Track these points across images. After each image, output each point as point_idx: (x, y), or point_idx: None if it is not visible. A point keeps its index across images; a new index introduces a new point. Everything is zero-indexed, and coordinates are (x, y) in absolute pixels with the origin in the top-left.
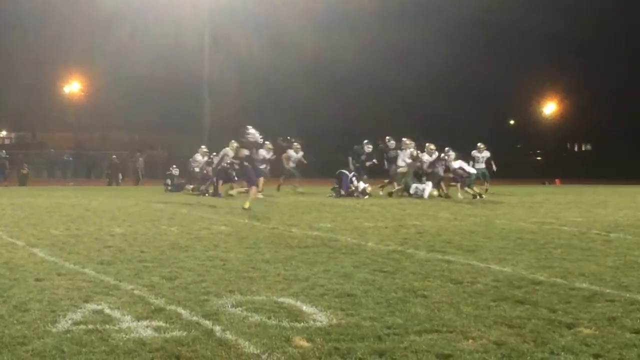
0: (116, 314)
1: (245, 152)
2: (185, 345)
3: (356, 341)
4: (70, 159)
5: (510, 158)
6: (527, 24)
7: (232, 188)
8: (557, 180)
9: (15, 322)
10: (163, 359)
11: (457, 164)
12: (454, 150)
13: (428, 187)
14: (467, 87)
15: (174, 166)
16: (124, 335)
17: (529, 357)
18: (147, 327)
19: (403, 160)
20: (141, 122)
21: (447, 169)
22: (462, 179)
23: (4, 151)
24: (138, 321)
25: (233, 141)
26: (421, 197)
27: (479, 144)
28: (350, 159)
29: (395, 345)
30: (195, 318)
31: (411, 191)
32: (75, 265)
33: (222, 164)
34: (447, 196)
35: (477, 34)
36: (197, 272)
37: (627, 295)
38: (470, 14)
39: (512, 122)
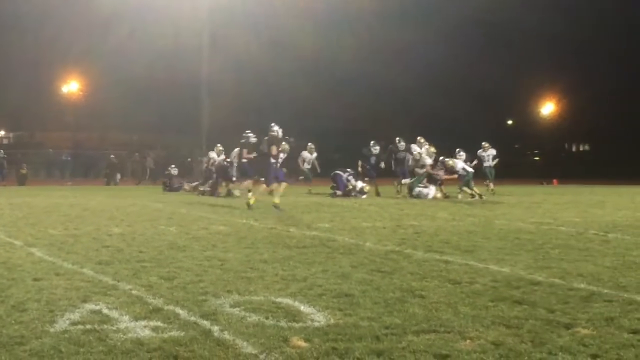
0: (114, 314)
1: (276, 148)
2: (183, 345)
3: (354, 341)
4: (69, 158)
5: (508, 158)
6: (526, 24)
7: (227, 187)
8: (554, 181)
9: (13, 322)
10: (161, 359)
11: (459, 164)
12: (464, 151)
13: (432, 191)
14: (466, 87)
15: (173, 166)
16: (122, 335)
17: (526, 358)
18: (145, 327)
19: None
20: (139, 122)
21: (450, 171)
22: (462, 178)
23: (1, 151)
24: (136, 321)
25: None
26: (425, 197)
27: (483, 143)
28: (359, 162)
29: (393, 345)
30: (193, 318)
31: (414, 193)
32: (74, 265)
33: (226, 162)
34: (446, 196)
35: (476, 34)
36: (195, 272)
37: (625, 295)
38: (469, 14)
39: (510, 122)
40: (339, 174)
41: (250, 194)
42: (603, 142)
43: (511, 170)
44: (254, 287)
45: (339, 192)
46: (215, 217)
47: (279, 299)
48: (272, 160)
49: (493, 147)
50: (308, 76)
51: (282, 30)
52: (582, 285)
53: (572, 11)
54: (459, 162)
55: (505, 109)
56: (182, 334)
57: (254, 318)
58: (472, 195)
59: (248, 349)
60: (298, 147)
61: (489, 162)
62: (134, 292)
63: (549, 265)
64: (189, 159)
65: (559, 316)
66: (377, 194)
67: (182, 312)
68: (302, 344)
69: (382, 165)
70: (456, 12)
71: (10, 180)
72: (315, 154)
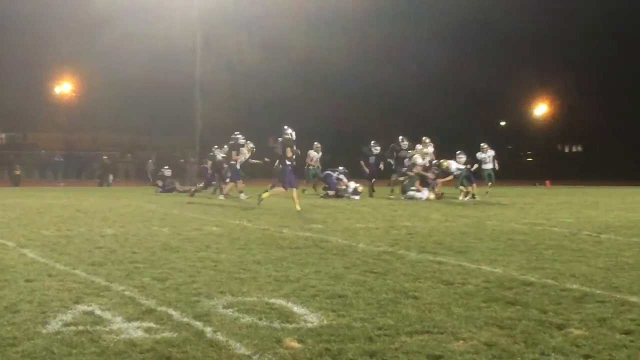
0: (107, 315)
1: (290, 152)
2: (176, 347)
3: (347, 342)
4: (61, 159)
5: (501, 159)
6: (518, 25)
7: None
8: (547, 182)
9: (5, 323)
10: None
11: (453, 165)
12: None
13: (424, 194)
14: (458, 88)
15: (166, 167)
16: (114, 337)
17: (519, 358)
18: (137, 328)
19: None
20: (132, 123)
21: (445, 172)
22: (457, 178)
23: None
24: (129, 322)
25: (248, 142)
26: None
27: (482, 145)
28: (361, 162)
29: (386, 346)
30: (186, 319)
31: (407, 196)
32: (66, 267)
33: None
34: (439, 197)
35: (468, 35)
36: (188, 273)
37: (618, 296)
38: (462, 15)
39: (503, 123)
40: (329, 173)
41: (265, 193)
42: (596, 143)
43: (504, 171)
44: (247, 288)
45: (330, 192)
46: (208, 218)
47: (272, 300)
48: (288, 163)
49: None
50: (300, 77)
51: (275, 31)
52: (575, 286)
53: (565, 12)
54: (453, 163)
55: (498, 110)
56: (175, 335)
57: (247, 319)
58: (467, 193)
59: (241, 350)
60: (306, 148)
61: (490, 164)
62: (126, 293)
63: (541, 266)
64: (182, 160)
65: (551, 317)
66: (371, 194)
67: (175, 313)
68: (295, 344)
69: (382, 166)
70: (448, 13)
71: (4, 181)
72: (321, 153)
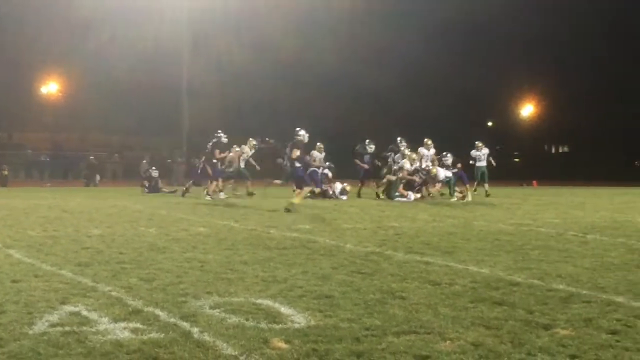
0: (93, 315)
1: (298, 152)
2: (163, 347)
3: (334, 342)
4: (48, 159)
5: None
6: (506, 26)
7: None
8: (534, 182)
9: None
10: None
11: (441, 174)
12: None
13: (411, 196)
14: (446, 88)
15: (153, 168)
16: (101, 337)
17: (506, 358)
18: (124, 328)
19: (425, 161)
20: (120, 124)
21: (432, 179)
22: (447, 183)
23: None
24: (115, 323)
25: (251, 139)
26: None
27: (476, 142)
28: (356, 161)
29: (373, 346)
30: (173, 319)
31: (394, 201)
32: (52, 267)
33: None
34: (423, 196)
35: (456, 36)
36: (175, 273)
37: (604, 296)
38: (450, 16)
39: (490, 123)
40: (314, 170)
41: (296, 199)
42: (582, 144)
43: (491, 171)
44: (234, 289)
45: (317, 190)
46: (195, 219)
47: (259, 301)
48: (298, 165)
49: (471, 149)
50: (289, 77)
51: (263, 32)
52: (561, 286)
53: (552, 13)
54: (441, 171)
55: (487, 110)
56: (162, 335)
57: (234, 319)
58: (464, 197)
59: (228, 350)
60: (311, 147)
61: (484, 162)
62: (113, 293)
63: (528, 266)
64: (169, 160)
65: (538, 317)
66: (359, 195)
67: (162, 314)
68: (283, 345)
69: (378, 162)
70: (438, 14)
71: None
72: (324, 153)
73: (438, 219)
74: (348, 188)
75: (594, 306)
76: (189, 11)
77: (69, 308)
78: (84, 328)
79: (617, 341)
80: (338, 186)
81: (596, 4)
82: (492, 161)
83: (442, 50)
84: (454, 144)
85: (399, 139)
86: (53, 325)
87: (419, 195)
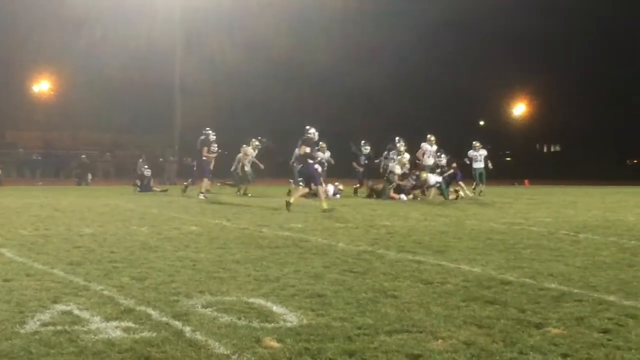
0: (85, 314)
1: (307, 149)
2: (155, 346)
3: (326, 341)
4: (39, 158)
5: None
6: (497, 25)
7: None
8: (526, 181)
9: None
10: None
11: (432, 179)
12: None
13: (403, 197)
14: (438, 88)
15: (146, 166)
16: (93, 336)
17: (498, 357)
18: (116, 327)
19: (429, 157)
20: (112, 122)
21: (422, 184)
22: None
23: None
24: (107, 322)
25: (253, 139)
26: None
27: (474, 142)
28: (353, 163)
29: (365, 345)
30: (165, 319)
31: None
32: (44, 266)
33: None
34: (416, 197)
35: (448, 35)
36: (167, 272)
37: (595, 295)
38: (441, 15)
39: (482, 123)
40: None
41: (323, 204)
42: (574, 143)
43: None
44: (226, 288)
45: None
46: (187, 217)
47: (251, 300)
48: (310, 161)
49: (464, 148)
50: (282, 76)
51: (256, 31)
52: (553, 285)
53: (544, 12)
54: (432, 177)
55: (479, 110)
56: (154, 334)
57: (226, 318)
58: (457, 196)
59: (220, 349)
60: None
61: (481, 163)
62: (105, 292)
63: (520, 265)
64: (161, 159)
65: (529, 316)
66: (355, 192)
67: (154, 313)
68: (275, 344)
69: (376, 161)
70: (429, 14)
71: None
72: (328, 153)
73: (430, 218)
74: (341, 187)
75: (586, 305)
76: (182, 9)
77: (60, 307)
78: (76, 327)
79: (609, 340)
80: (331, 188)
81: (587, 3)
82: (489, 164)
83: (433, 49)
84: (447, 143)
85: (397, 138)
86: (45, 325)
87: (411, 197)
